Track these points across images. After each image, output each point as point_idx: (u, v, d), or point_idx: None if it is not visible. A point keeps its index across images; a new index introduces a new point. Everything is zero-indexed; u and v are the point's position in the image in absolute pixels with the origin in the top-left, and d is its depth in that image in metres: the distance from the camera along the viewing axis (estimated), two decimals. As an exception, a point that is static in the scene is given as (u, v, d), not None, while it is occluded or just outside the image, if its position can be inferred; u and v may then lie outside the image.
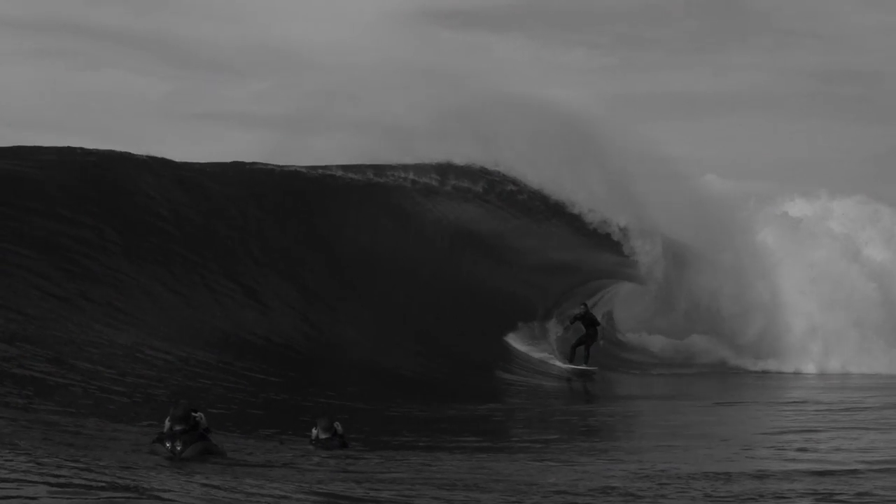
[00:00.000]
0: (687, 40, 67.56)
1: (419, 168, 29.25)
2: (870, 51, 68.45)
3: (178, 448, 11.57)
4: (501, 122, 30.16)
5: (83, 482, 8.20)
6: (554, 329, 27.91)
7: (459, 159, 29.64)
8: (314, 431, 12.91)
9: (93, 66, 66.12)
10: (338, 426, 13.07)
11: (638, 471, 11.10)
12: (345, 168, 28.50)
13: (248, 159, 27.37)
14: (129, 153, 24.64)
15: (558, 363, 26.52)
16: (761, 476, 10.77)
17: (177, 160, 25.60)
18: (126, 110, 61.61)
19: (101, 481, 8.28)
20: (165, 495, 7.75)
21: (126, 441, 11.53)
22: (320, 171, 28.07)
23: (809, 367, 31.50)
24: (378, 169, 28.91)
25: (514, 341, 26.59)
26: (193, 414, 12.05)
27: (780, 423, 16.70)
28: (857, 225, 37.54)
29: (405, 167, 29.12)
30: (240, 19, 59.06)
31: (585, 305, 26.83)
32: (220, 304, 20.99)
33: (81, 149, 24.65)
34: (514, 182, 29.96)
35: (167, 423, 11.94)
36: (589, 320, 26.29)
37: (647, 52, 64.65)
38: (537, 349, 26.95)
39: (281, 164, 27.54)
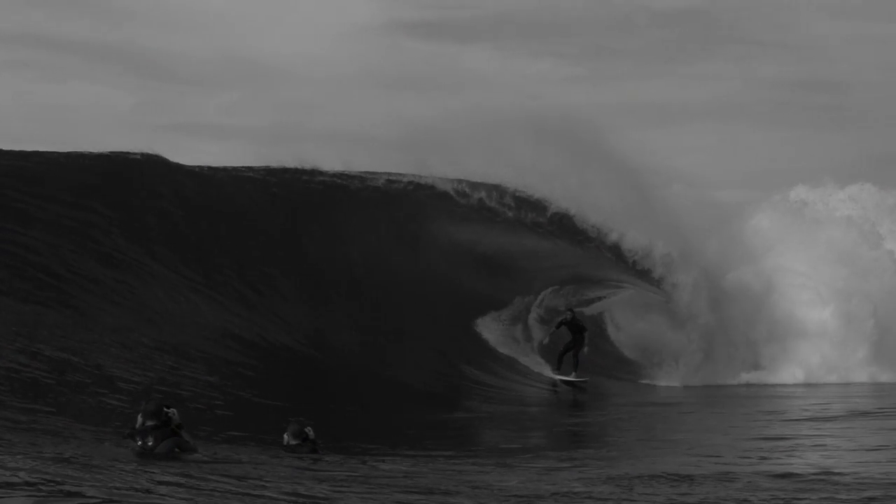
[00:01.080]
0: (655, 51, 68.76)
1: (436, 180, 29.28)
2: (837, 60, 70.02)
3: (150, 444, 11.62)
4: (507, 136, 30.05)
5: (23, 479, 8.28)
6: (542, 335, 27.60)
7: (468, 172, 29.56)
8: (285, 437, 12.94)
9: (60, 77, 66.07)
10: (309, 431, 13.06)
11: (601, 475, 11.22)
12: (357, 174, 28.60)
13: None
14: (135, 153, 24.85)
15: (548, 371, 26.23)
16: (725, 480, 10.87)
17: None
18: (95, 122, 61.57)
19: (36, 479, 8.35)
20: (89, 491, 7.82)
21: (87, 437, 11.58)
22: (329, 175, 28.17)
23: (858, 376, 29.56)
24: (392, 176, 28.98)
25: (502, 347, 26.58)
26: (166, 409, 12.08)
27: (753, 432, 16.76)
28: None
29: (418, 177, 29.16)
30: (208, 31, 59.18)
31: (572, 311, 26.26)
32: (209, 298, 21.11)
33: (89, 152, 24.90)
34: (518, 193, 29.87)
35: (139, 419, 12.01)
36: (575, 326, 25.82)
37: (616, 62, 65.71)
38: (525, 356, 26.81)
39: (292, 166, 27.67)
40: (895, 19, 68.76)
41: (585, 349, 25.70)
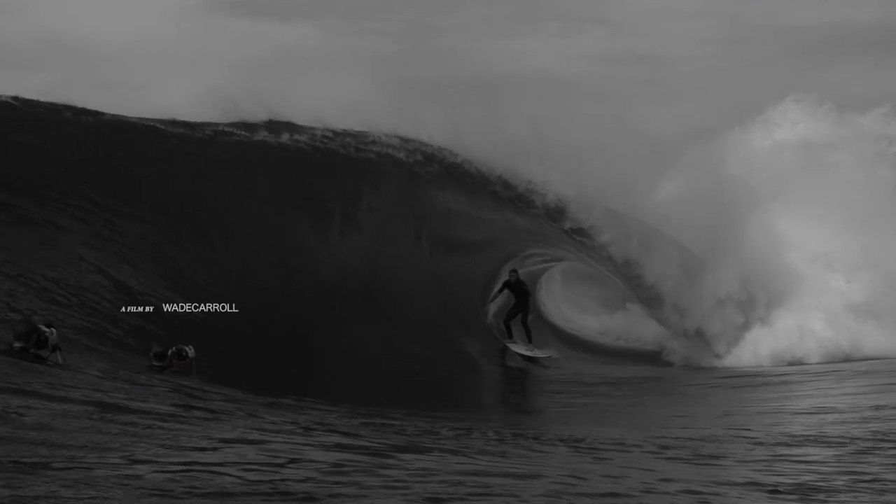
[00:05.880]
0: (478, 27, 71.40)
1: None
2: (655, 35, 73.31)
3: (18, 364, 12.40)
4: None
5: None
6: (487, 300, 27.22)
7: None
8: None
9: None
10: (189, 350, 14.17)
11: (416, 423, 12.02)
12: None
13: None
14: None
15: (506, 342, 25.40)
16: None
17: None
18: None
19: None
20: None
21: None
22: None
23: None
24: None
25: (451, 313, 25.79)
26: (45, 329, 12.85)
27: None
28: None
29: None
30: (22, 11, 59.40)
31: (516, 272, 25.32)
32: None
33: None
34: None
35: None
36: (519, 289, 24.83)
37: (439, 38, 68.15)
38: (476, 324, 26.31)
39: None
40: (710, -7, 72.70)
41: (529, 317, 25.09)
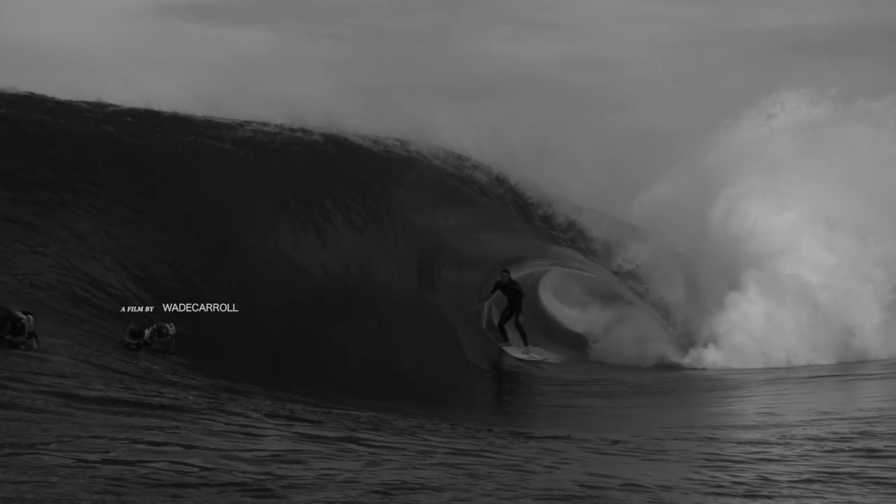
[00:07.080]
0: (431, 32, 72.31)
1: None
2: (607, 39, 74.27)
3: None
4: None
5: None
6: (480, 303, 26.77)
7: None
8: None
9: None
10: (170, 326, 14.45)
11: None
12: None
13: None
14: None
15: (502, 346, 25.27)
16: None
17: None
18: None
19: None
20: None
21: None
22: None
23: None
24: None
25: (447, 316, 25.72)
26: (22, 316, 13.19)
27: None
28: None
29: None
30: None
31: (508, 272, 25.09)
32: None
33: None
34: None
35: (-11, 330, 13.13)
36: (512, 289, 24.71)
37: (392, 43, 69.13)
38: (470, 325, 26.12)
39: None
40: (662, -1, 73.07)
41: (521, 317, 24.94)
